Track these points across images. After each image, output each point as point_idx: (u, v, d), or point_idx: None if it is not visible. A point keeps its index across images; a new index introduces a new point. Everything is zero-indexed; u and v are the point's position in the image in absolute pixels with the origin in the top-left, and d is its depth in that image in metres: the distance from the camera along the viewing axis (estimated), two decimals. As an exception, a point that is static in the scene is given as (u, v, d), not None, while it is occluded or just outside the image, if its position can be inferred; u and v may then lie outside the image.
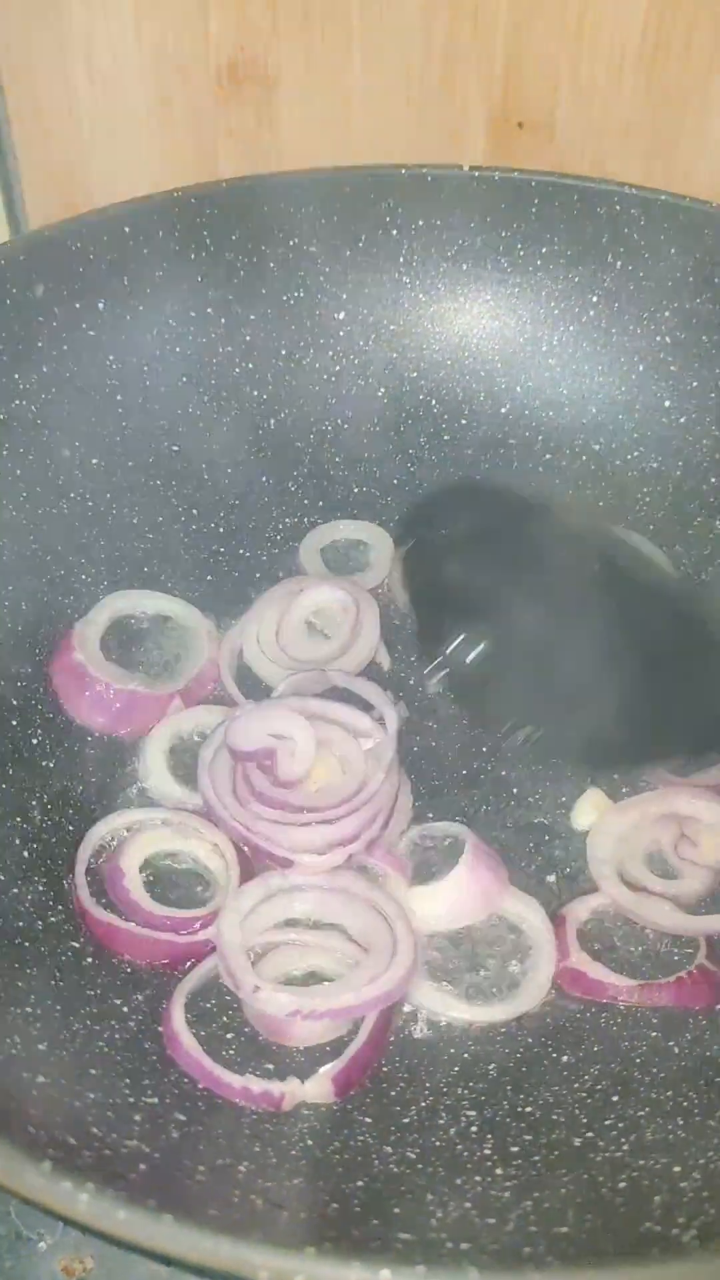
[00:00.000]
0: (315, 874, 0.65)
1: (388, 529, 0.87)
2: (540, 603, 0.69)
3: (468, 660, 0.69)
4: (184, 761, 0.74)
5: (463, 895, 0.66)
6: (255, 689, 0.78)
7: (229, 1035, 0.61)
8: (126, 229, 0.85)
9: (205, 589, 0.83)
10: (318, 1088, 0.58)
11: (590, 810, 0.72)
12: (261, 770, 0.69)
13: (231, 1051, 0.60)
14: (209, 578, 0.84)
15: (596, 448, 0.90)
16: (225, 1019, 0.62)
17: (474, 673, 0.69)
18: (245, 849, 0.68)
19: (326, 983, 0.62)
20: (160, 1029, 0.60)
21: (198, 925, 0.64)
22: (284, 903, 0.65)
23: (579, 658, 0.67)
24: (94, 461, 0.85)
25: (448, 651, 0.69)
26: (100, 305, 0.85)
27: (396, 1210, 0.50)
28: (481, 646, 0.69)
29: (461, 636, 0.69)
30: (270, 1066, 0.59)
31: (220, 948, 0.62)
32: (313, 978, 0.63)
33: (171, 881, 0.68)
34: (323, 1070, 0.58)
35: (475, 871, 0.66)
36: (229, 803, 0.68)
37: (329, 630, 0.81)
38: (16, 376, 0.81)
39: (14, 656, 0.76)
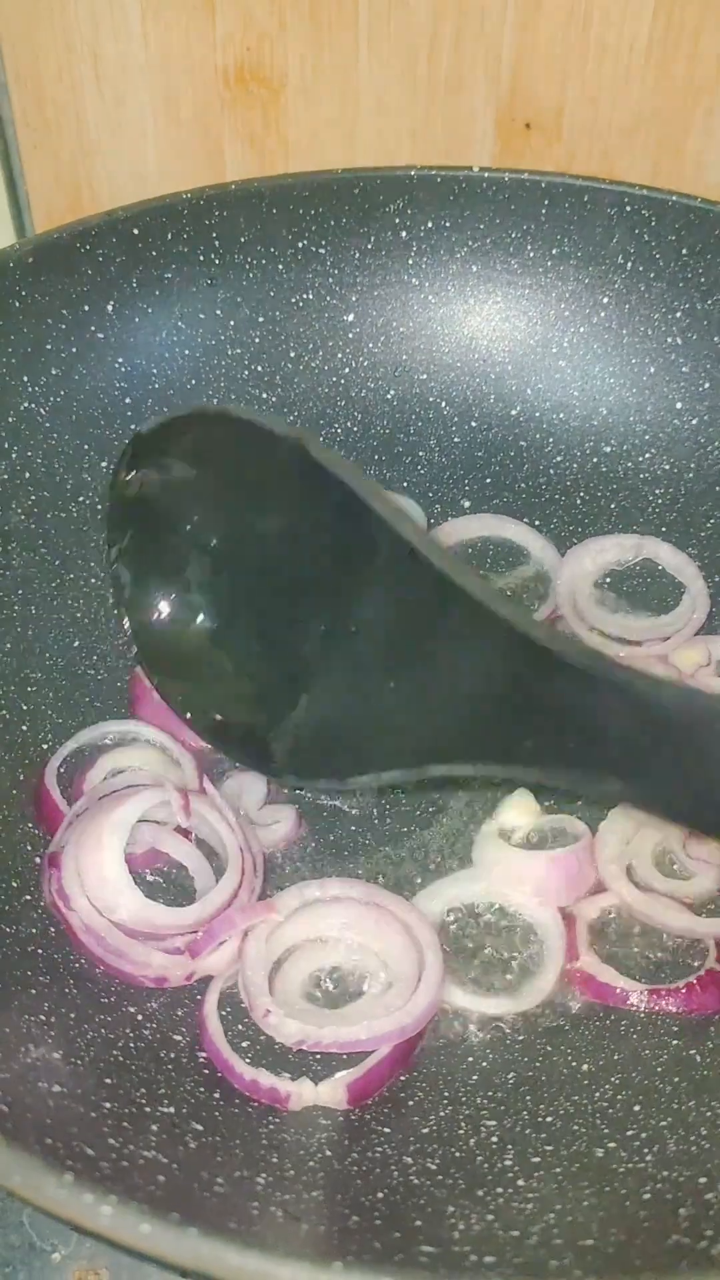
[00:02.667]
0: (350, 887, 0.63)
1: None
2: (274, 574, 0.56)
3: (159, 621, 0.58)
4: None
5: (550, 874, 0.66)
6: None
7: (255, 1030, 0.61)
8: (135, 231, 0.84)
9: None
10: (331, 1092, 0.57)
11: (517, 813, 0.70)
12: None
13: (258, 1047, 0.60)
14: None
15: (608, 450, 0.90)
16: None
17: (169, 638, 0.58)
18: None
19: (340, 1010, 0.61)
20: (176, 1037, 0.59)
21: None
22: (317, 915, 0.63)
23: (302, 644, 0.55)
24: (103, 465, 0.84)
25: (141, 610, 0.58)
26: (109, 307, 0.84)
27: (418, 1223, 0.49)
28: (180, 608, 0.57)
29: (167, 595, 0.57)
30: (289, 1065, 0.59)
31: (243, 959, 0.61)
32: (335, 972, 0.63)
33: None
34: (339, 1075, 0.57)
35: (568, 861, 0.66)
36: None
37: None
38: (25, 379, 0.81)
39: (24, 662, 0.75)
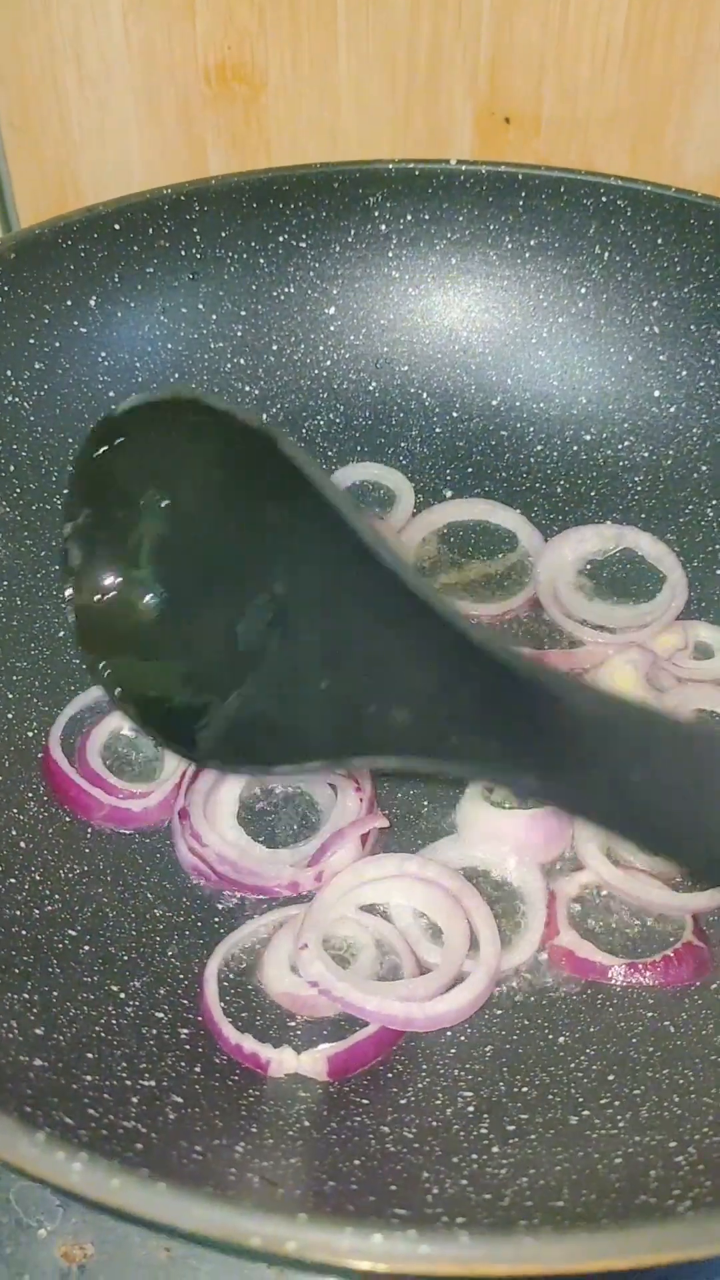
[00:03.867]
0: (444, 875, 0.66)
1: (379, 517, 0.88)
2: (223, 562, 0.57)
3: (101, 597, 0.58)
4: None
5: (529, 832, 0.68)
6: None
7: (254, 998, 0.63)
8: (117, 226, 0.85)
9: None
10: (313, 1063, 0.58)
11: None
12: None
13: (244, 1016, 0.62)
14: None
15: (587, 438, 0.91)
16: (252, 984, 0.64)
17: (107, 614, 0.59)
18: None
19: (364, 976, 0.62)
20: (158, 1014, 0.60)
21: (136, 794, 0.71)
22: (401, 886, 0.66)
23: (241, 634, 0.56)
24: (87, 457, 0.85)
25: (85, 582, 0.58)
26: (91, 302, 0.86)
27: (393, 1188, 0.50)
28: (125, 587, 0.58)
29: (113, 573, 0.58)
30: (272, 1039, 0.60)
31: (320, 893, 0.65)
32: (386, 946, 0.65)
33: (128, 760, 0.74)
34: (322, 1047, 0.58)
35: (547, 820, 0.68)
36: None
37: None
38: (9, 373, 0.82)
39: (9, 652, 0.76)
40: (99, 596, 0.59)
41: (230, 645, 0.57)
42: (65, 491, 0.59)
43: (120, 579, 0.58)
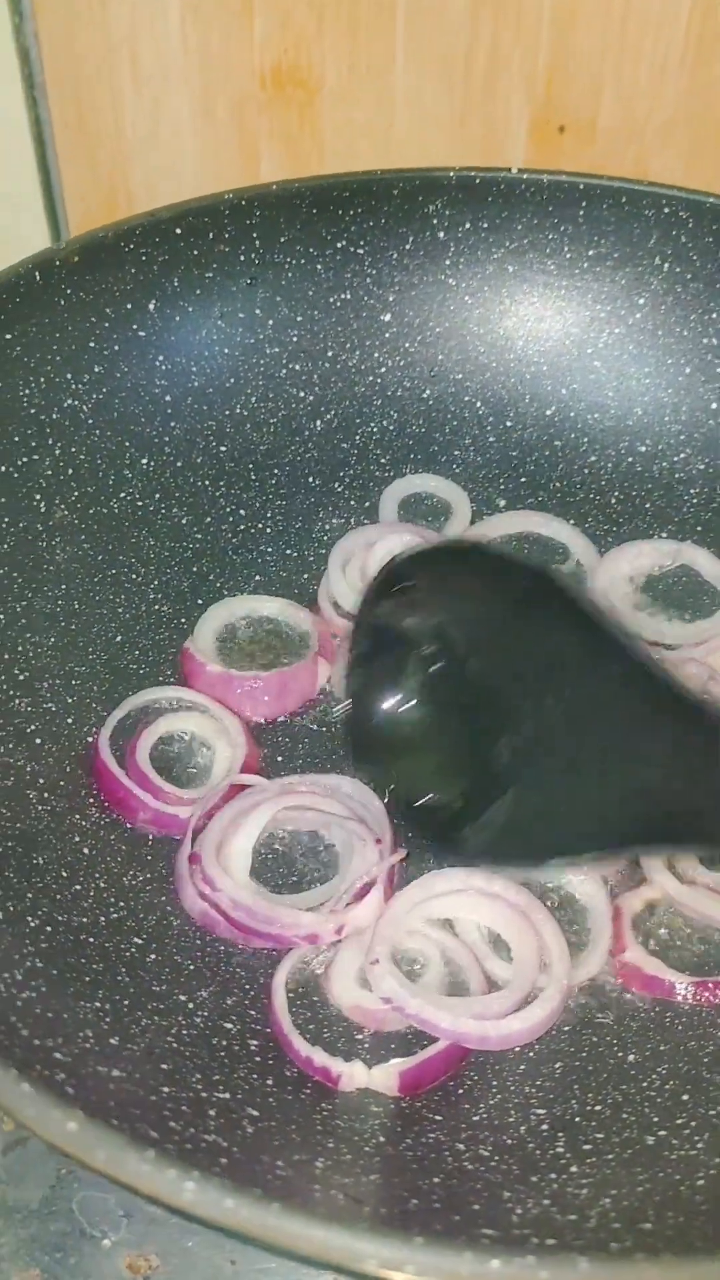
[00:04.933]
0: (510, 890, 0.65)
1: (435, 529, 0.87)
2: (488, 686, 0.63)
3: (378, 716, 0.65)
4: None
5: None
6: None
7: (319, 1010, 0.62)
8: (178, 230, 0.85)
9: (254, 590, 0.84)
10: (385, 1078, 0.58)
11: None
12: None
13: (311, 1028, 0.61)
14: (257, 578, 0.85)
15: (642, 450, 0.91)
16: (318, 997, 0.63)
17: (384, 732, 0.65)
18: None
19: (436, 991, 0.62)
20: (227, 1025, 0.60)
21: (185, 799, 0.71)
22: (467, 901, 0.65)
23: (504, 749, 0.62)
24: (144, 462, 0.85)
25: (364, 705, 0.65)
26: (150, 306, 0.85)
27: (476, 1207, 0.50)
28: (398, 709, 0.65)
29: (389, 697, 0.65)
30: (341, 1052, 0.60)
31: (388, 909, 0.64)
32: (451, 959, 0.64)
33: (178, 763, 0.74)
34: (393, 1062, 0.58)
35: None
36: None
37: None
38: (69, 376, 0.81)
39: (68, 656, 0.76)
40: (374, 717, 0.65)
41: (497, 760, 0.62)
42: (353, 625, 0.68)
43: (394, 700, 0.65)
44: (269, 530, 0.87)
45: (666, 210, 0.88)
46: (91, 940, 0.63)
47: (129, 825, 0.70)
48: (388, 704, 0.65)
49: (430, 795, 0.65)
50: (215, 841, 0.68)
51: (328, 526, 0.88)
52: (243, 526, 0.87)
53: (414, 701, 0.65)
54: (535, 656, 0.63)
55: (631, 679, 0.58)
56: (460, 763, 0.65)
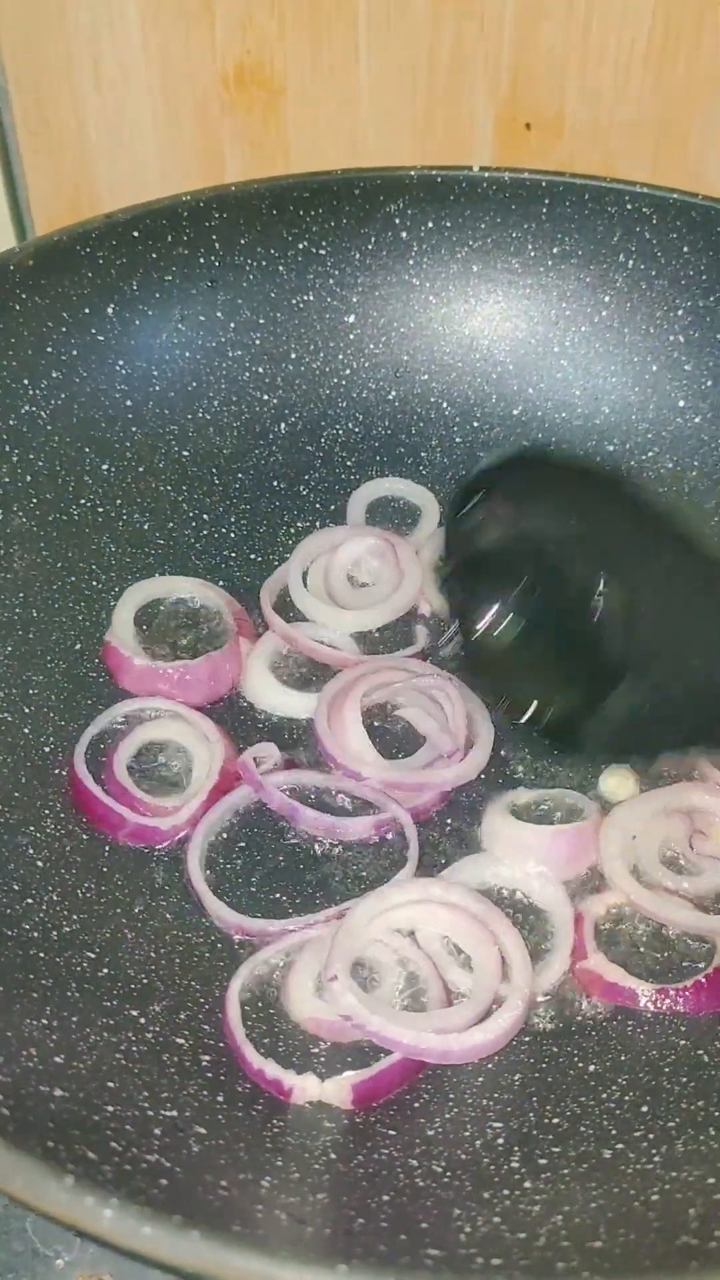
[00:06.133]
0: (469, 899, 0.65)
1: (402, 533, 0.86)
2: (585, 583, 0.66)
3: (483, 631, 0.67)
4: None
5: (554, 846, 0.68)
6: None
7: (277, 1022, 0.61)
8: (135, 233, 0.84)
9: (217, 594, 0.83)
10: (337, 1091, 0.57)
11: (616, 783, 0.72)
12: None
13: (266, 1041, 0.60)
14: (220, 583, 0.83)
15: (610, 449, 0.89)
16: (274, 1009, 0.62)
17: (492, 645, 0.67)
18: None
19: (392, 1005, 0.61)
20: (179, 1040, 0.59)
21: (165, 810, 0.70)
22: (426, 912, 0.64)
23: (610, 643, 0.64)
24: (104, 467, 0.84)
25: (468, 622, 0.67)
26: (109, 310, 0.84)
27: (424, 1225, 0.49)
28: (501, 619, 0.67)
29: (490, 609, 0.66)
30: (296, 1065, 0.59)
31: (346, 922, 0.62)
32: (414, 972, 0.63)
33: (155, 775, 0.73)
34: (346, 1075, 0.57)
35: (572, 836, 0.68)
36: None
37: (370, 579, 0.84)
38: (26, 382, 0.81)
39: (25, 665, 0.75)
40: (479, 626, 0.67)
41: (597, 657, 0.65)
42: (441, 542, 0.71)
43: (494, 609, 0.66)
44: (233, 535, 0.86)
45: (630, 207, 0.87)
46: (42, 955, 0.61)
47: (105, 840, 0.69)
48: (491, 617, 0.67)
49: (547, 699, 0.67)
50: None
51: (293, 531, 0.87)
52: (206, 532, 0.86)
53: (515, 610, 0.67)
54: (619, 554, 0.66)
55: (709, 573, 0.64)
56: (570, 663, 0.67)
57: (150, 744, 0.74)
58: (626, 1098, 0.57)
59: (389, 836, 0.69)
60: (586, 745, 0.68)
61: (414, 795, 0.70)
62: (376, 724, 0.75)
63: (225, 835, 0.70)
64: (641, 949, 0.65)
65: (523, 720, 0.67)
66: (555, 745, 0.69)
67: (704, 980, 0.62)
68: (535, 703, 0.67)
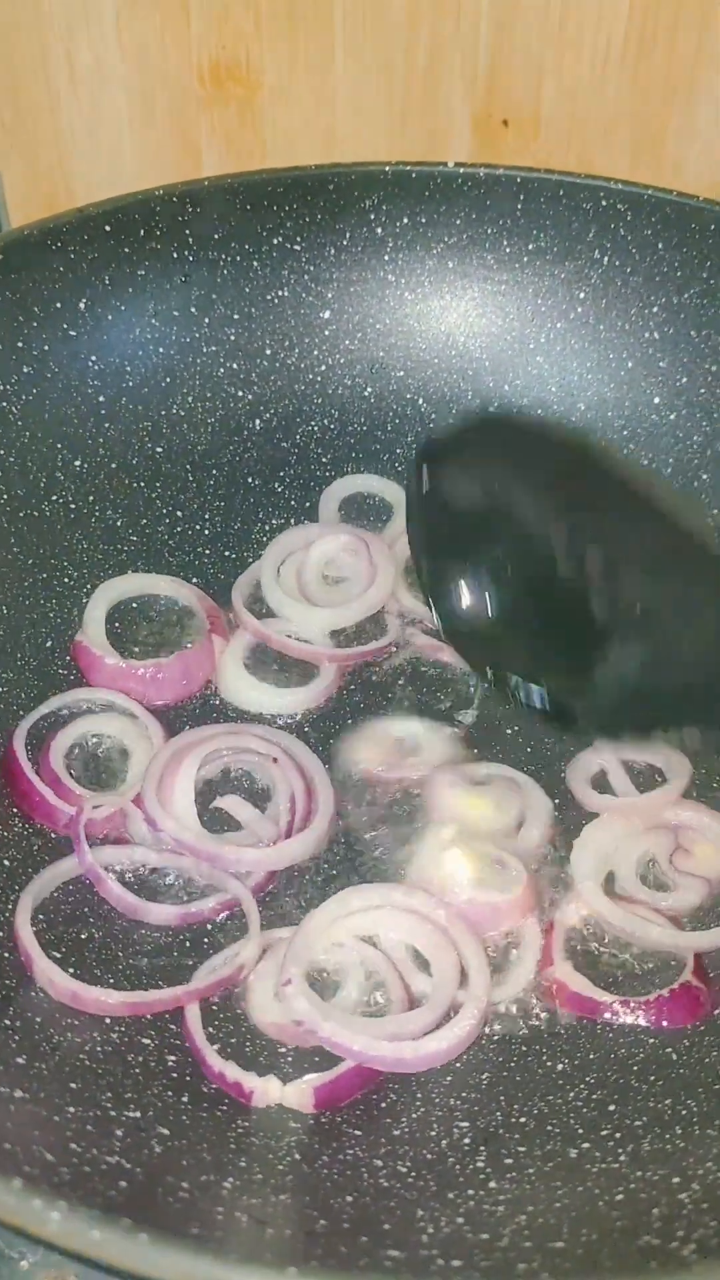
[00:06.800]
0: (429, 905, 0.64)
1: (375, 530, 0.86)
2: (559, 550, 0.64)
3: (464, 604, 0.65)
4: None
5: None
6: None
7: (244, 1023, 0.61)
8: (108, 227, 0.83)
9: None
10: (298, 1095, 0.56)
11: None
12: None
13: (230, 1045, 0.59)
14: (194, 580, 0.83)
15: (586, 445, 0.89)
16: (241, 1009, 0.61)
17: (472, 618, 0.65)
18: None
19: (347, 1011, 0.60)
20: (144, 1040, 0.58)
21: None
22: (386, 917, 0.63)
23: (594, 611, 0.62)
24: (76, 464, 0.83)
25: (444, 595, 0.65)
26: (81, 305, 0.84)
27: (386, 1226, 0.48)
28: (478, 588, 0.65)
29: (463, 581, 0.64)
30: (259, 1068, 0.58)
31: (302, 926, 0.62)
32: (376, 977, 0.62)
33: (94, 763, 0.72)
34: (308, 1078, 0.56)
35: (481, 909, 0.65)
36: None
37: (343, 575, 0.84)
38: (-4, 377, 0.80)
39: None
40: (452, 598, 0.65)
41: (581, 627, 0.63)
42: (406, 512, 0.67)
43: (466, 581, 0.64)
44: (207, 532, 0.86)
45: (605, 203, 0.86)
46: (6, 955, 0.61)
47: (54, 833, 0.69)
48: (469, 588, 0.65)
49: (535, 672, 0.64)
50: (155, 783, 0.69)
51: (267, 527, 0.86)
52: (179, 529, 0.85)
53: (485, 577, 0.65)
54: (592, 514, 0.64)
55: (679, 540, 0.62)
56: (553, 630, 0.65)
57: (88, 736, 0.73)
58: (594, 1096, 0.57)
59: (223, 918, 0.65)
60: (579, 720, 0.65)
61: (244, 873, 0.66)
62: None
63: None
64: (612, 959, 0.64)
65: (512, 691, 0.64)
66: (548, 721, 0.66)
67: (666, 994, 0.61)
68: (520, 674, 0.64)
